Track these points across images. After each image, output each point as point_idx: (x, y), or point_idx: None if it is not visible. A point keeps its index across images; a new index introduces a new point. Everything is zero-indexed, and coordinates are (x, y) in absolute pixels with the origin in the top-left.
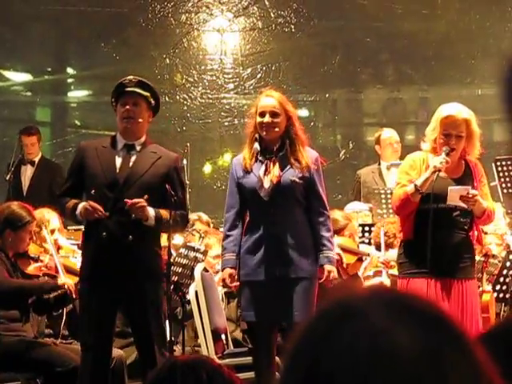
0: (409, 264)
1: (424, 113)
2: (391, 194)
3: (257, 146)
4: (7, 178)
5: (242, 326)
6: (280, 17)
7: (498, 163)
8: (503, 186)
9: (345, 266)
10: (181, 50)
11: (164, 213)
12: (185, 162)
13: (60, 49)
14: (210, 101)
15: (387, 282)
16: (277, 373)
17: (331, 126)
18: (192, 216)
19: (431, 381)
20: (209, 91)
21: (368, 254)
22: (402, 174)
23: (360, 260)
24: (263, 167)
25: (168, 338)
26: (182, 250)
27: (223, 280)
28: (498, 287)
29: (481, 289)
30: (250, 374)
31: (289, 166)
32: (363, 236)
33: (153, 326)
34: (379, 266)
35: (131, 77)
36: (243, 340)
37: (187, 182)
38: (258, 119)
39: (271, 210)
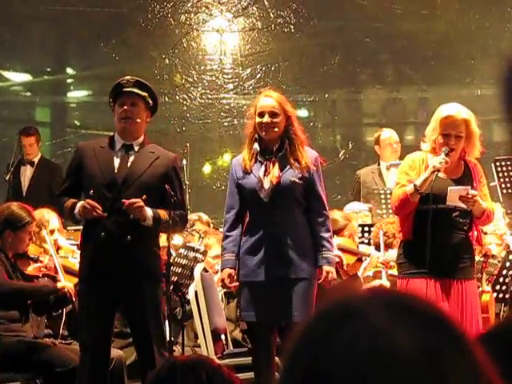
0: (408, 264)
1: (423, 113)
2: (391, 194)
3: (256, 146)
4: (7, 179)
5: (241, 326)
6: (279, 17)
7: (498, 163)
8: (503, 186)
9: (345, 267)
10: (180, 51)
11: (162, 213)
12: (184, 162)
13: (60, 49)
14: (210, 101)
15: (387, 283)
16: (276, 373)
17: (331, 126)
18: (192, 216)
19: (431, 381)
20: (208, 91)
21: (368, 255)
22: (401, 174)
23: (359, 260)
24: (263, 168)
25: (168, 339)
26: (182, 251)
27: (222, 280)
28: (497, 287)
29: (480, 289)
30: (250, 375)
31: (288, 167)
32: (363, 236)
33: (151, 326)
34: (379, 267)
35: (129, 77)
36: (243, 340)
37: (187, 183)
38: (257, 119)
39: (271, 211)
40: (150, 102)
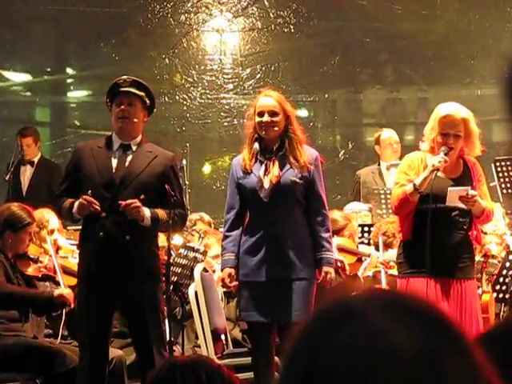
0: (408, 264)
1: (423, 113)
2: (391, 194)
3: (256, 145)
4: (7, 179)
5: (241, 326)
6: (279, 17)
7: (498, 164)
8: (503, 186)
9: (347, 272)
10: (180, 51)
11: (161, 212)
12: (184, 162)
13: (59, 49)
14: (210, 101)
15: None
16: (276, 373)
17: (330, 126)
18: (194, 216)
19: (430, 381)
20: (208, 91)
21: (368, 255)
22: (400, 173)
23: (359, 260)
24: (263, 167)
25: (167, 339)
26: (182, 251)
27: (222, 280)
28: (497, 287)
29: (480, 289)
30: (250, 375)
31: (288, 166)
32: (363, 236)
33: (151, 326)
34: (379, 267)
35: (126, 76)
36: (243, 340)
37: (187, 183)
38: (257, 119)
39: (271, 211)
40: (147, 101)
